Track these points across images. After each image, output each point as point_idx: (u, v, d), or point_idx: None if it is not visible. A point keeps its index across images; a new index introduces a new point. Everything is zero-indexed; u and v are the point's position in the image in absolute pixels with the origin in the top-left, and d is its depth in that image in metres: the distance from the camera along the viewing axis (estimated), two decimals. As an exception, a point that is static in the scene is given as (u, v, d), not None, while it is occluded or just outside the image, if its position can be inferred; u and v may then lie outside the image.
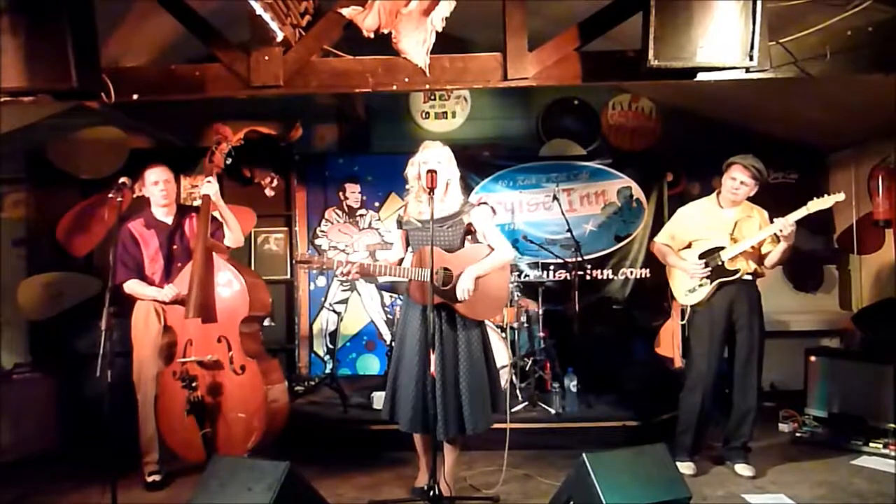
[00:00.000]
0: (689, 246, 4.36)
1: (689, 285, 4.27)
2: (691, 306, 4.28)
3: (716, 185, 4.41)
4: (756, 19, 3.35)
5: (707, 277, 4.18)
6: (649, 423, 4.84)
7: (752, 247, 4.16)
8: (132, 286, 4.08)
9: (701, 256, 4.22)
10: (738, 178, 4.15)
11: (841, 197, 3.98)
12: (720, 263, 4.15)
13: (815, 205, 3.97)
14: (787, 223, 3.94)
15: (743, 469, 4.19)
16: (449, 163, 3.66)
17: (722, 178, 4.25)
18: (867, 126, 5.59)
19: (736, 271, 4.14)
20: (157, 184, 4.17)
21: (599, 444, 4.50)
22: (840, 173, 6.56)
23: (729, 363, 4.31)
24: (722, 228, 4.22)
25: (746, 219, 4.22)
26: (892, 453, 4.46)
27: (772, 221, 4.09)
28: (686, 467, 4.14)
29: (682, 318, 4.36)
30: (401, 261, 3.85)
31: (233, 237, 4.23)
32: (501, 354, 5.10)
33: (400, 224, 3.81)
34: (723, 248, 4.16)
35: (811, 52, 3.67)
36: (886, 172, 5.64)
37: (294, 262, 6.63)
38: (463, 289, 3.55)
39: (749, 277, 4.20)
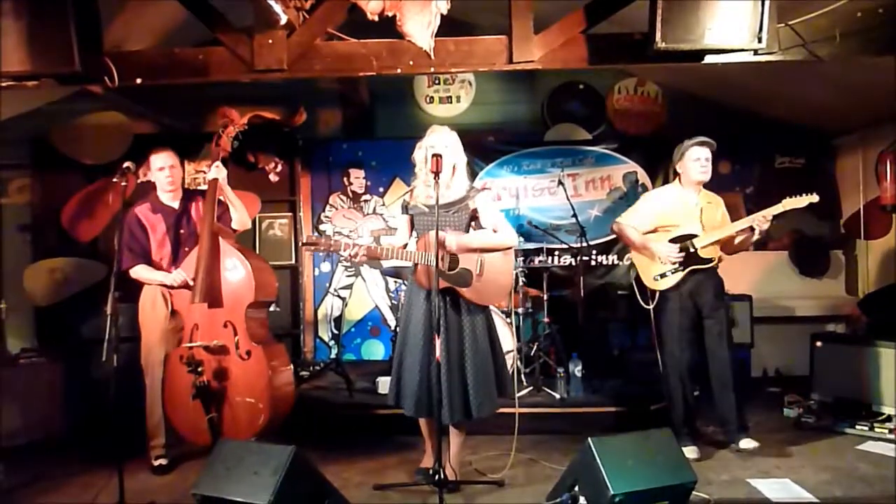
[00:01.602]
0: (654, 231, 4.35)
1: (659, 270, 4.27)
2: (661, 291, 4.29)
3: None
4: (765, 1, 3.32)
5: (680, 263, 4.20)
6: (654, 408, 4.83)
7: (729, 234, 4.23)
8: (139, 271, 4.09)
9: (672, 241, 4.24)
10: (703, 156, 4.23)
11: (815, 198, 4.06)
12: (693, 251, 4.19)
13: (790, 203, 4.07)
14: (765, 218, 4.05)
15: (746, 443, 4.21)
16: (455, 147, 3.65)
17: (679, 164, 4.32)
18: (875, 110, 5.55)
19: (710, 260, 4.20)
20: (162, 169, 4.16)
21: (604, 428, 4.52)
22: (847, 157, 6.53)
23: (700, 351, 4.32)
24: (690, 214, 4.27)
25: (708, 205, 4.30)
26: (898, 438, 4.47)
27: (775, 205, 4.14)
28: (690, 451, 4.14)
29: (650, 304, 4.36)
30: (405, 246, 3.84)
31: (239, 220, 4.23)
32: (506, 340, 5.11)
33: (405, 209, 3.80)
34: (695, 235, 4.21)
35: (820, 34, 3.63)
36: (894, 157, 5.59)
37: (301, 244, 6.62)
38: (449, 244, 3.56)
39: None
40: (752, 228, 4.14)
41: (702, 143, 4.24)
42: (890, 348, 4.76)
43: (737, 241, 4.27)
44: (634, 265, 4.50)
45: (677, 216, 4.29)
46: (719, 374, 4.26)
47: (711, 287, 4.26)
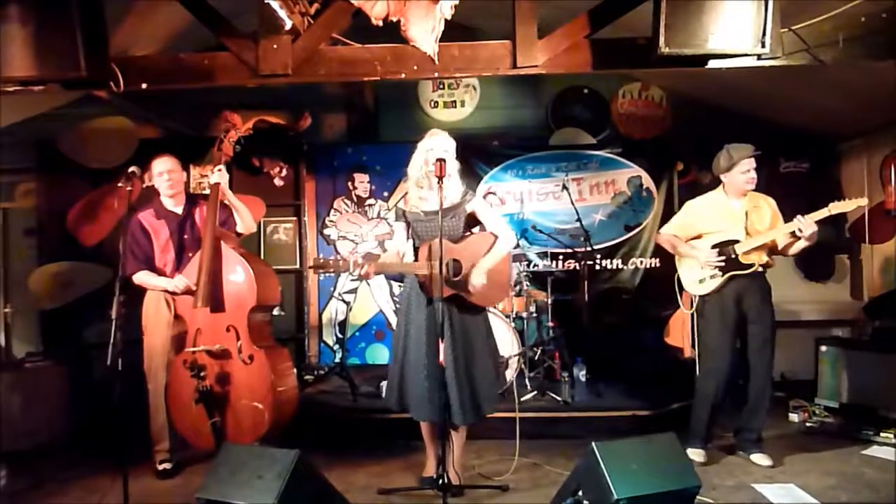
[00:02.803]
0: (698, 237, 4.31)
1: (699, 275, 4.24)
2: (701, 296, 4.26)
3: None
4: (768, 6, 3.32)
5: (720, 269, 4.15)
6: (658, 413, 4.83)
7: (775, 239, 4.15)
8: (142, 277, 4.09)
9: (714, 247, 4.19)
10: (752, 166, 4.14)
11: (864, 202, 4.02)
12: (734, 256, 4.13)
13: (837, 207, 3.97)
14: (808, 223, 3.94)
15: (761, 459, 4.18)
16: (453, 153, 3.66)
17: (725, 175, 4.22)
18: (880, 114, 5.53)
19: (750, 265, 4.12)
20: (161, 174, 4.17)
21: (608, 433, 4.51)
22: (852, 162, 6.51)
23: (742, 354, 4.26)
24: (734, 220, 4.20)
25: (755, 209, 4.22)
26: (904, 443, 4.45)
27: (781, 211, 4.15)
28: (697, 454, 4.16)
29: (691, 308, 4.32)
30: (405, 253, 3.86)
31: (244, 224, 4.24)
32: (511, 344, 5.11)
33: (401, 215, 3.80)
34: (737, 241, 4.14)
35: (824, 38, 3.62)
36: (899, 161, 5.59)
37: (309, 267, 6.62)
38: (476, 283, 3.57)
39: (760, 269, 4.17)
40: (794, 234, 4.05)
41: (751, 156, 4.13)
42: (894, 353, 4.75)
43: (780, 246, 4.20)
44: (676, 272, 4.43)
45: (720, 222, 4.23)
46: (759, 384, 4.19)
47: (757, 292, 4.19)
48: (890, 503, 3.56)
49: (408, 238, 3.82)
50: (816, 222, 3.96)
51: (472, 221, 3.78)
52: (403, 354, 3.71)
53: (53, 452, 4.69)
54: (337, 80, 4.41)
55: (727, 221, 4.21)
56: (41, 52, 3.41)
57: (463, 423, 3.59)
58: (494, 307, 5.21)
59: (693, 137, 6.60)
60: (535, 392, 5.18)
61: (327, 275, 6.70)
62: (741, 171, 4.15)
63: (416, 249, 3.75)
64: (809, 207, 4.05)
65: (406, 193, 3.80)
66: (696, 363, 4.34)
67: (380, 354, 6.76)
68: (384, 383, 5.13)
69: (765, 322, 4.18)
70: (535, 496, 3.73)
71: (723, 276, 4.15)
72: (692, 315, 4.34)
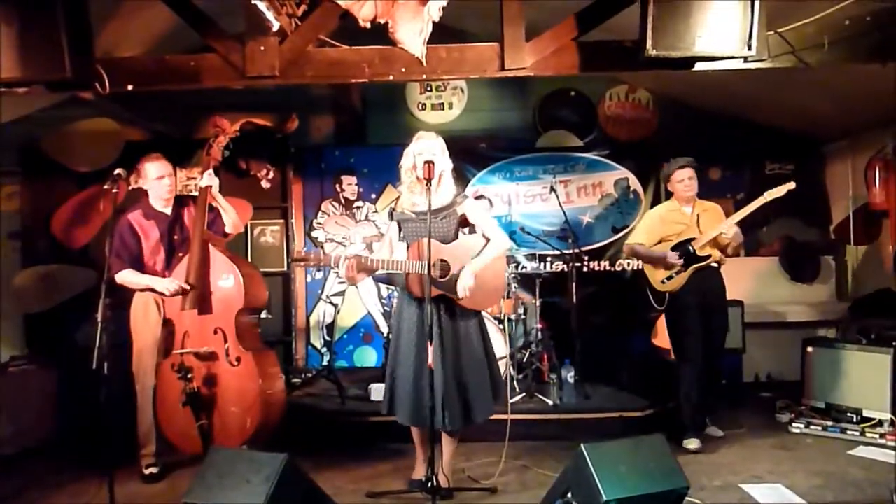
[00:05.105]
0: (659, 242, 4.72)
1: (665, 274, 4.65)
2: (670, 293, 4.62)
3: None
4: (754, 8, 3.34)
5: (683, 264, 4.55)
6: (647, 414, 4.84)
7: (718, 236, 4.54)
8: (124, 276, 4.03)
9: (673, 249, 4.60)
10: (686, 176, 4.64)
11: (792, 185, 4.42)
12: (692, 252, 4.54)
13: (771, 194, 4.43)
14: (730, 224, 4.47)
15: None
16: (442, 154, 3.66)
17: (669, 185, 4.76)
18: (864, 116, 5.58)
19: (707, 256, 4.56)
20: (161, 178, 4.14)
21: (597, 434, 4.50)
22: (837, 164, 6.57)
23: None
24: (688, 223, 4.67)
25: (704, 212, 4.71)
26: (889, 443, 4.49)
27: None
28: (692, 443, 4.46)
29: (661, 305, 4.69)
30: (395, 253, 3.85)
31: (232, 223, 4.21)
32: (499, 346, 5.10)
33: (393, 216, 3.80)
34: (693, 239, 4.58)
35: (809, 41, 3.67)
36: (883, 163, 5.63)
37: (290, 260, 6.59)
38: (464, 286, 3.54)
39: (715, 265, 4.62)
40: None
41: (682, 167, 4.65)
42: (880, 353, 4.79)
43: (724, 243, 4.56)
44: (645, 274, 4.80)
45: (677, 227, 4.68)
46: (709, 365, 4.58)
47: (716, 286, 4.64)
48: (876, 502, 3.58)
49: (400, 239, 3.82)
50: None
51: (466, 224, 3.77)
52: (395, 357, 3.70)
53: (39, 457, 4.64)
54: (324, 81, 4.41)
55: (682, 225, 4.67)
56: (25, 53, 3.38)
57: (448, 428, 3.56)
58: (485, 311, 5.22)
59: (679, 139, 6.63)
60: (524, 394, 5.18)
61: (314, 274, 6.73)
62: (677, 180, 4.67)
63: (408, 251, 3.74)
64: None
65: (400, 196, 3.79)
66: (677, 356, 4.68)
67: (368, 357, 6.74)
68: (372, 386, 5.16)
69: (719, 313, 4.65)
70: (523, 498, 3.73)
71: (686, 270, 4.56)
72: (664, 311, 4.72)
